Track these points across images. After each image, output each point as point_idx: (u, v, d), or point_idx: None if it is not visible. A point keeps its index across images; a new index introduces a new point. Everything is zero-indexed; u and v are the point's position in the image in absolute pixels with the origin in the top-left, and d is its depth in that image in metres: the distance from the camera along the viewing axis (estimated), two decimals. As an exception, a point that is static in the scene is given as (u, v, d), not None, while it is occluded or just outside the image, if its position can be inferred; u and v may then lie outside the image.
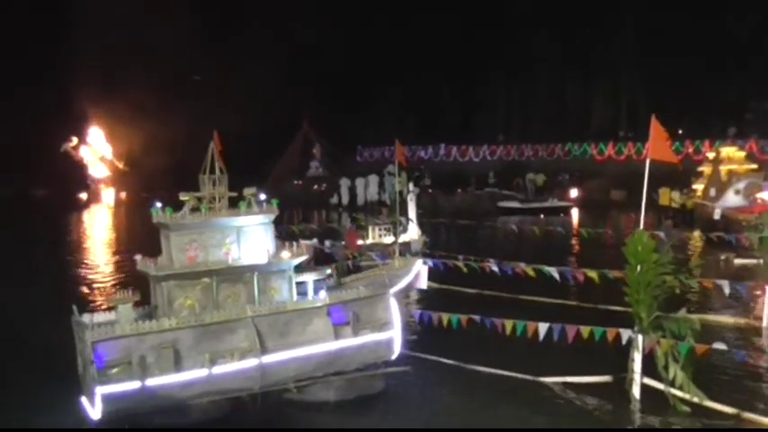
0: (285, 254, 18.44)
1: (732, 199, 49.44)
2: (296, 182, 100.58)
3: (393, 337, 18.89)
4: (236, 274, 17.91)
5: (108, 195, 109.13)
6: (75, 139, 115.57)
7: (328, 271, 19.67)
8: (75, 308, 17.45)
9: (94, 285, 36.70)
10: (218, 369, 16.97)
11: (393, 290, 19.16)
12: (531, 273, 24.07)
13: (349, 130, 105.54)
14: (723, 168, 55.36)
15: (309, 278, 18.89)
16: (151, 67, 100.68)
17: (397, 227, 36.46)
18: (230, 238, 17.87)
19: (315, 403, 18.18)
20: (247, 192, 18.27)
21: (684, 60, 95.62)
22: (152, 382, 16.35)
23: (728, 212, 47.88)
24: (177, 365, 16.65)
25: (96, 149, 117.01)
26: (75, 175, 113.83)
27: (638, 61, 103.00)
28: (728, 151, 58.90)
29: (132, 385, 16.19)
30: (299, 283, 18.64)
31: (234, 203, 18.12)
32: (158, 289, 17.40)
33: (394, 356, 19.02)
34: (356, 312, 18.37)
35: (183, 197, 17.81)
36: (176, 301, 17.35)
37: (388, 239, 38.61)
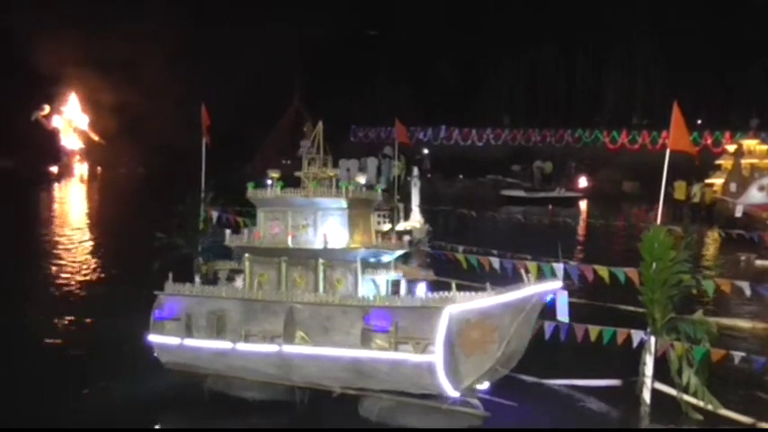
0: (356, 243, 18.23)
1: (755, 195, 49.72)
2: (285, 161, 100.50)
3: (434, 362, 16.71)
4: (302, 258, 18.21)
5: (82, 169, 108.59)
6: (47, 107, 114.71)
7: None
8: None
9: (69, 265, 36.77)
10: (243, 347, 18.19)
11: (455, 307, 16.91)
12: (534, 267, 23.97)
13: (342, 108, 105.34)
14: (744, 162, 55.55)
15: (392, 277, 18.17)
16: (138, 33, 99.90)
17: (395, 213, 36.53)
18: (308, 220, 18.18)
19: (356, 416, 17.84)
20: (329, 172, 18.57)
21: (705, 43, 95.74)
22: (190, 342, 18.62)
23: (751, 210, 48.09)
24: (219, 334, 18.35)
25: (71, 119, 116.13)
26: (46, 147, 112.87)
27: (655, 42, 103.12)
28: (750, 144, 59.13)
29: (173, 341, 18.78)
30: (394, 282, 18.25)
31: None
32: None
33: (448, 392, 16.95)
34: (399, 323, 17.01)
35: (271, 174, 18.74)
36: (255, 276, 18.68)
37: (387, 227, 38.75)
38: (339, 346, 17.45)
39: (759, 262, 38.19)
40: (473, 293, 17.26)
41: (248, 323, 18.23)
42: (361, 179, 19.26)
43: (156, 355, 19.16)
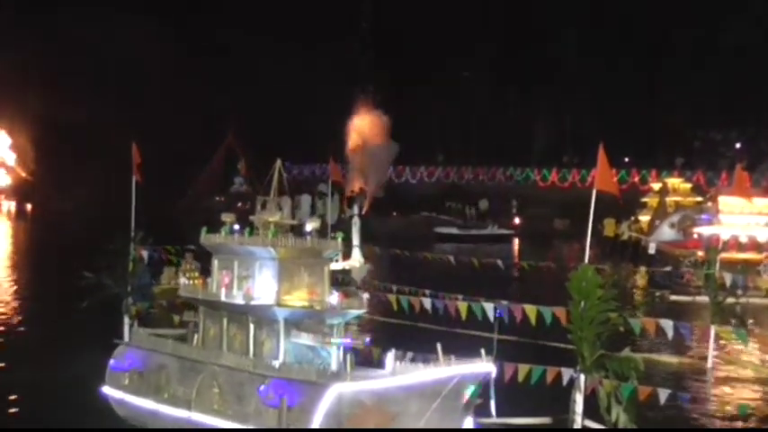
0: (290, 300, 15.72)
1: (667, 233, 50.44)
2: (218, 198, 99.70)
3: None
4: (234, 313, 16.10)
5: (9, 206, 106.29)
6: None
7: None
8: None
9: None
10: (164, 409, 16.61)
11: (346, 386, 14.14)
12: (465, 307, 24.06)
13: (277, 145, 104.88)
14: (669, 200, 56.92)
15: (312, 341, 15.38)
16: (68, 69, 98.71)
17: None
18: (249, 270, 15.87)
19: None
20: (269, 217, 16.39)
21: (633, 84, 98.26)
22: (129, 398, 17.51)
23: (663, 247, 48.80)
24: (156, 393, 16.82)
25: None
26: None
27: (584, 82, 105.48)
28: (674, 182, 60.76)
29: (117, 394, 17.75)
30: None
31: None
32: None
33: None
34: (289, 398, 14.31)
35: (223, 218, 16.87)
36: (207, 328, 16.87)
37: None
38: (246, 418, 14.95)
39: (673, 297, 39.02)
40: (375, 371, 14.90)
41: (182, 383, 16.35)
42: (309, 225, 16.73)
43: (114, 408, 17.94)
